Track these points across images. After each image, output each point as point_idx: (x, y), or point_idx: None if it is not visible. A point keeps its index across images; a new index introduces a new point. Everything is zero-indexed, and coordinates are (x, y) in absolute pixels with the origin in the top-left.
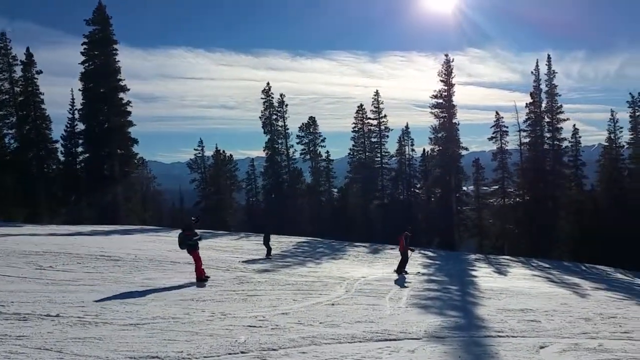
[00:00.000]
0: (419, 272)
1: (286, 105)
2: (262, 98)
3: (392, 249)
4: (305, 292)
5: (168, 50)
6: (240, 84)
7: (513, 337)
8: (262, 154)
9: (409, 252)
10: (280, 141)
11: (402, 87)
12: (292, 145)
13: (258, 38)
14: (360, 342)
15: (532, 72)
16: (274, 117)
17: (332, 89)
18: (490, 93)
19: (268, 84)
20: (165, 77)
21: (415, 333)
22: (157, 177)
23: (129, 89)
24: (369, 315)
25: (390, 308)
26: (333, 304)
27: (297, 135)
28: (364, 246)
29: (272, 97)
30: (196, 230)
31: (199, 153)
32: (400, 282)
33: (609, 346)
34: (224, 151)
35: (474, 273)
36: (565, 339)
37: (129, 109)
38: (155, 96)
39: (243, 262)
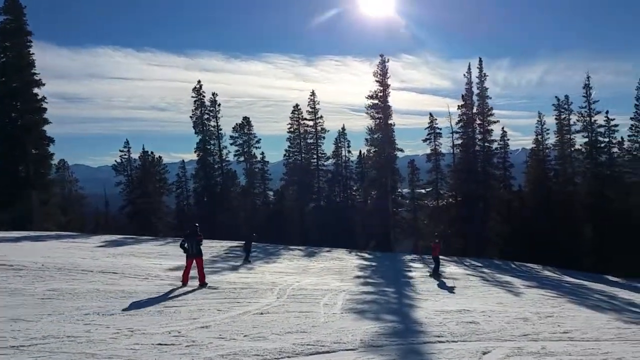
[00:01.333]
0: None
1: (219, 105)
2: (192, 97)
3: (328, 251)
4: (232, 301)
5: (95, 49)
6: (172, 85)
7: (454, 342)
8: (196, 156)
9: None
10: (212, 142)
11: (338, 91)
12: (226, 147)
13: (190, 38)
14: (289, 357)
15: (464, 75)
16: (206, 116)
17: (268, 91)
18: (423, 98)
19: (199, 81)
20: (93, 77)
21: (350, 343)
22: (79, 181)
23: (44, 84)
24: (301, 325)
25: (324, 315)
26: (262, 313)
27: (231, 136)
28: (299, 249)
29: (204, 96)
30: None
31: (125, 155)
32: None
33: (552, 349)
34: (152, 153)
35: (410, 274)
36: (507, 342)
37: (44, 105)
38: (82, 97)
39: (167, 269)
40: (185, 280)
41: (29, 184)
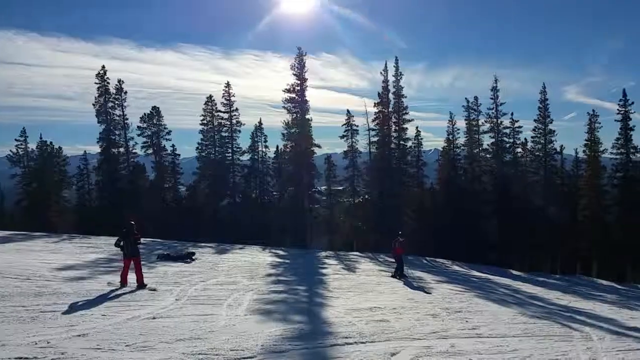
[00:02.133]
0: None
1: (125, 93)
2: (96, 83)
3: (240, 248)
4: (122, 304)
5: None
6: (80, 73)
7: (362, 342)
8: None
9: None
10: (117, 132)
11: (257, 86)
12: (133, 138)
13: (100, 24)
14: None
15: (381, 73)
16: (110, 105)
17: (183, 83)
18: (342, 97)
19: (103, 67)
20: None
21: (249, 349)
22: None
23: None
24: (196, 330)
25: (226, 318)
26: (154, 318)
27: (138, 127)
28: (209, 247)
29: (108, 83)
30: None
31: (22, 145)
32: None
33: (461, 347)
34: (51, 143)
35: (323, 271)
36: (417, 341)
37: None
38: None
39: (55, 268)
40: (124, 280)
41: None
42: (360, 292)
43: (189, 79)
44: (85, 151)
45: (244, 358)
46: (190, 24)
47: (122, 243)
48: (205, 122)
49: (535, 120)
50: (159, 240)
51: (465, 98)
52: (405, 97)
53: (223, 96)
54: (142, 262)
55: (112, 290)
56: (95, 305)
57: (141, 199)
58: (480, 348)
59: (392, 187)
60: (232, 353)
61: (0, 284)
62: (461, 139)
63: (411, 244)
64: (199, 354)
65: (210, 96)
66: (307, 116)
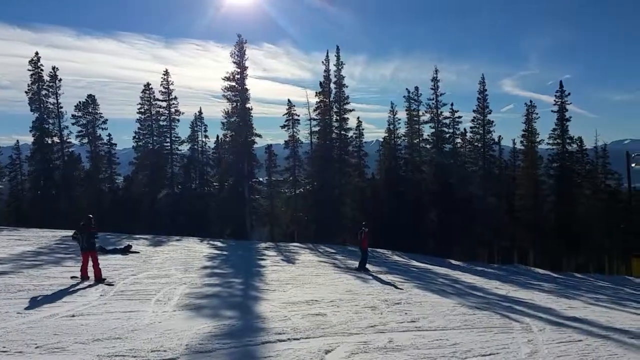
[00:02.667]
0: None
1: (59, 80)
2: (29, 70)
3: (177, 240)
4: (41, 300)
5: None
6: (16, 61)
7: (295, 339)
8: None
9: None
10: (51, 121)
11: (198, 76)
12: (67, 127)
13: (36, 11)
14: None
15: (322, 62)
16: (44, 92)
17: (123, 72)
18: (284, 88)
19: (37, 53)
20: None
21: (172, 350)
22: None
23: None
24: (117, 329)
25: (152, 315)
26: (74, 316)
27: (73, 115)
28: (145, 239)
29: (42, 70)
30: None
31: None
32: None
33: (399, 341)
34: None
35: (262, 263)
36: (353, 336)
37: None
38: None
39: None
40: (84, 274)
41: None
42: (298, 284)
43: (129, 68)
44: (17, 140)
45: (165, 359)
46: (129, 11)
47: (78, 236)
48: (142, 110)
49: (474, 111)
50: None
51: (406, 89)
52: (347, 86)
53: (161, 84)
54: (72, 256)
55: (34, 286)
56: (13, 302)
57: (76, 189)
58: (419, 342)
59: (333, 178)
60: (153, 354)
61: None
62: (402, 130)
63: (352, 234)
64: (116, 355)
65: (148, 84)
66: (248, 105)
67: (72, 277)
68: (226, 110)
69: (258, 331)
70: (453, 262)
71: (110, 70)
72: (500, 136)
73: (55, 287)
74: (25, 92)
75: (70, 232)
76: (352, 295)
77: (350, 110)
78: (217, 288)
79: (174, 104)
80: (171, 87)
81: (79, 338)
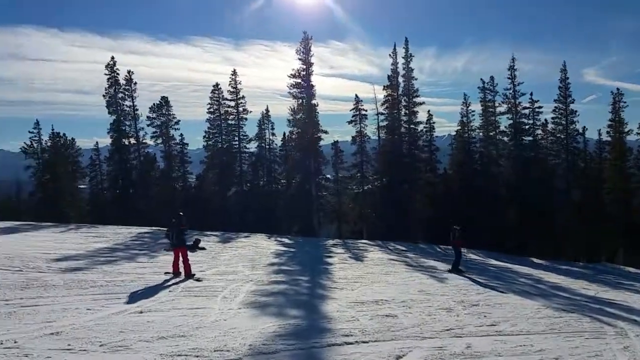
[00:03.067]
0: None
1: (135, 83)
2: (105, 74)
3: (245, 237)
4: (111, 297)
5: (16, 29)
6: (98, 68)
7: (364, 342)
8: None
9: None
10: (128, 123)
11: (266, 76)
12: (143, 128)
13: (116, 19)
14: None
15: (390, 55)
16: (120, 95)
17: (195, 75)
18: (351, 85)
19: (112, 58)
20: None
21: (235, 350)
22: None
23: None
24: (183, 326)
25: (218, 312)
26: (141, 312)
27: (148, 117)
28: (214, 235)
29: (118, 74)
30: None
31: (35, 137)
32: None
33: (478, 347)
34: (63, 134)
35: (329, 260)
36: (427, 341)
37: None
38: (2, 78)
39: (53, 259)
40: (175, 270)
41: None
42: (366, 283)
43: (200, 71)
44: (97, 142)
45: None
46: (200, 16)
47: (170, 233)
48: (212, 110)
49: (555, 101)
50: (165, 229)
51: (481, 79)
52: (416, 79)
53: (230, 84)
54: (145, 252)
55: (106, 282)
56: (84, 298)
57: (152, 188)
58: (501, 348)
59: (402, 173)
60: (216, 354)
61: None
62: (476, 122)
63: (424, 231)
64: (179, 355)
65: (217, 84)
66: (313, 101)
67: (165, 273)
68: (292, 107)
69: (324, 332)
70: (534, 260)
71: (183, 74)
72: (584, 127)
73: (127, 282)
74: (103, 95)
75: (146, 229)
76: (425, 296)
77: (420, 104)
78: (284, 286)
79: (241, 103)
80: (239, 86)
81: (144, 335)
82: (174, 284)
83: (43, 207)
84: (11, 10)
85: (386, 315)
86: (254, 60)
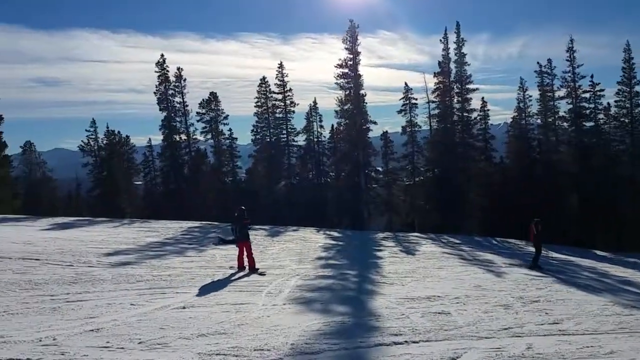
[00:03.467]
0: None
1: (184, 80)
2: (156, 72)
3: (294, 230)
4: (156, 292)
5: (70, 32)
6: (149, 67)
7: (414, 342)
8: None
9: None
10: (178, 119)
11: (315, 69)
12: (193, 124)
13: (165, 19)
14: None
15: (440, 41)
16: (171, 92)
17: (244, 71)
18: (400, 75)
19: (162, 55)
20: (69, 60)
21: (277, 349)
22: (47, 162)
23: None
24: (224, 323)
25: (261, 308)
26: (184, 308)
27: (197, 113)
28: (263, 229)
29: (168, 71)
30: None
31: (92, 135)
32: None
33: (540, 348)
34: (118, 132)
35: (379, 254)
36: (483, 341)
37: None
38: (60, 80)
39: (104, 254)
40: (240, 264)
41: None
42: (418, 278)
43: (249, 67)
44: (150, 138)
45: None
46: (248, 12)
47: (234, 227)
48: (259, 104)
49: (618, 83)
50: (215, 223)
51: (537, 62)
52: (468, 64)
53: (277, 77)
54: (194, 246)
55: (153, 276)
56: (130, 293)
57: (202, 183)
58: (565, 350)
59: (455, 163)
60: (256, 354)
61: (41, 271)
62: (534, 108)
63: (480, 223)
64: (217, 354)
65: (264, 78)
66: (361, 91)
67: (230, 267)
68: (339, 98)
69: (371, 331)
70: (598, 252)
71: (232, 70)
72: None
73: (173, 277)
74: (154, 92)
75: (196, 224)
76: (481, 291)
77: (473, 90)
78: (330, 280)
79: (289, 95)
80: (286, 79)
81: (184, 332)
82: (223, 279)
83: (100, 203)
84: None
85: (439, 313)
86: (302, 53)
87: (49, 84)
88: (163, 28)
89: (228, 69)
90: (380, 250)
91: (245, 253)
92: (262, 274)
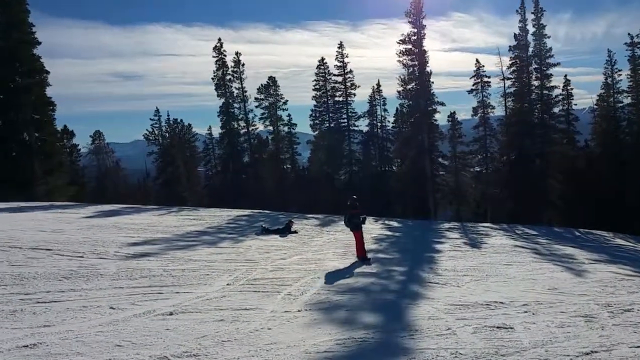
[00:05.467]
0: None
1: (243, 65)
2: (213, 56)
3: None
4: (154, 290)
5: (146, 27)
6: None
7: None
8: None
9: None
10: (237, 106)
11: (386, 55)
12: (252, 110)
13: (235, 10)
14: None
15: (517, 11)
16: (229, 77)
17: (314, 60)
18: (475, 58)
19: (219, 40)
20: (146, 55)
21: None
22: (115, 152)
23: (40, 42)
24: (208, 337)
25: (268, 316)
26: (171, 314)
27: (256, 98)
28: (315, 218)
29: (225, 55)
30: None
31: (156, 124)
32: None
33: None
34: (181, 120)
35: (438, 247)
36: None
37: (41, 66)
38: (137, 74)
39: (129, 244)
40: (361, 253)
41: (29, 151)
42: (479, 277)
43: (319, 55)
44: (210, 126)
45: None
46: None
47: (347, 217)
48: (317, 87)
49: None
50: (265, 211)
51: (628, 33)
52: (548, 36)
53: (336, 58)
54: (234, 236)
55: (164, 271)
56: (121, 292)
57: (262, 170)
58: None
59: (534, 146)
60: None
61: (41, 263)
62: (624, 84)
63: (560, 213)
64: None
65: (322, 59)
66: (427, 69)
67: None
68: (402, 77)
69: (398, 354)
70: None
71: (301, 59)
72: None
73: (187, 272)
74: (212, 78)
75: (246, 212)
76: (557, 296)
77: (554, 65)
78: (370, 279)
79: (349, 77)
80: (346, 60)
81: (142, 353)
82: (243, 275)
83: (163, 191)
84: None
85: (497, 327)
86: (372, 40)
87: (127, 77)
88: (233, 19)
89: (297, 58)
90: (441, 242)
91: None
92: (369, 264)
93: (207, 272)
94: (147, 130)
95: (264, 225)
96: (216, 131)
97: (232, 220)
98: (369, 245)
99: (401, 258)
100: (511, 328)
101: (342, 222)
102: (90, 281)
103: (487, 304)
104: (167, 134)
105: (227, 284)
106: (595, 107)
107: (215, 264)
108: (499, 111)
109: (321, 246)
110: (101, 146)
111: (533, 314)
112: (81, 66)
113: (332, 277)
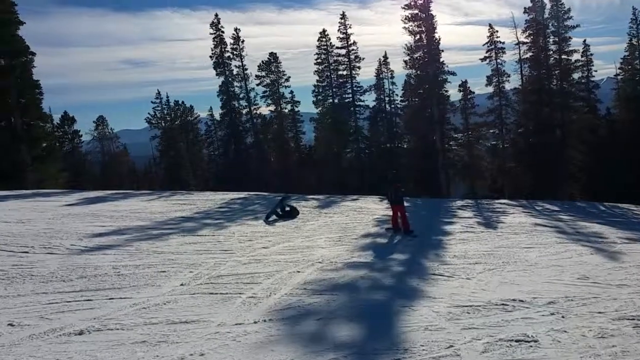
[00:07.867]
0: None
1: (242, 42)
2: (211, 33)
3: (352, 200)
4: (84, 296)
5: (154, 12)
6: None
7: None
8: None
9: None
10: (237, 84)
11: (395, 31)
12: (253, 89)
13: None
14: None
15: None
16: (227, 55)
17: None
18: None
19: (216, 15)
20: (154, 41)
21: None
22: (119, 137)
23: (23, 22)
24: None
25: (211, 332)
26: (81, 332)
27: (257, 76)
28: (315, 199)
29: (223, 32)
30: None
31: (157, 107)
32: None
33: None
34: (182, 102)
35: (448, 228)
36: None
37: (25, 47)
38: (146, 60)
39: (96, 234)
40: (394, 225)
41: (15, 136)
42: (494, 264)
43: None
44: (210, 107)
45: None
46: None
47: (388, 191)
48: (319, 60)
49: None
50: (263, 193)
51: None
52: None
53: (338, 30)
54: (220, 221)
55: (113, 268)
56: (42, 299)
57: (265, 150)
58: None
59: (553, 115)
60: None
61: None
62: None
63: (582, 186)
64: None
65: (324, 30)
66: (435, 35)
67: (386, 229)
68: (408, 45)
69: None
70: None
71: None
72: None
73: (141, 269)
74: (210, 56)
75: (242, 195)
76: (590, 287)
77: (573, 27)
78: (361, 271)
79: (353, 50)
80: (349, 31)
81: None
82: (210, 268)
83: (167, 175)
84: None
85: (516, 341)
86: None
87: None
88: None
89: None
90: (452, 222)
91: (399, 215)
92: (415, 236)
93: (165, 269)
94: (149, 114)
95: (278, 210)
96: (218, 113)
97: (225, 205)
98: (368, 228)
99: (402, 243)
100: (535, 341)
101: (348, 203)
102: (13, 285)
103: (503, 304)
104: (168, 117)
105: (181, 284)
106: (616, 74)
107: (181, 258)
108: (514, 80)
109: (314, 231)
110: (105, 132)
111: (562, 316)
112: (89, 54)
113: (314, 270)
